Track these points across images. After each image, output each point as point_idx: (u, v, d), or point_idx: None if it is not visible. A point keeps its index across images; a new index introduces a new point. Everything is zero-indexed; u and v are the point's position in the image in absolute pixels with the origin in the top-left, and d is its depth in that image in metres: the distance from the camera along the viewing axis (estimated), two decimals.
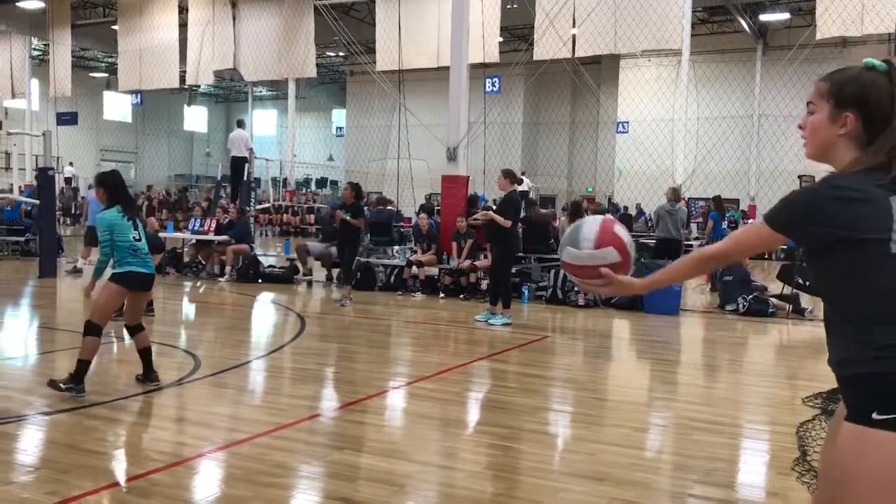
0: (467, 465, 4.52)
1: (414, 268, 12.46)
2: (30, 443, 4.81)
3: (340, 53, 32.56)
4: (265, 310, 11.26)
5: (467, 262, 12.09)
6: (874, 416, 1.87)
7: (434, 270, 12.72)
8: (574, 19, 16.16)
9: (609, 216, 2.64)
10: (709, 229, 13.92)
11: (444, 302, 11.86)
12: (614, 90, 29.98)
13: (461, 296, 12.00)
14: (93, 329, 5.70)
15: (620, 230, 2.53)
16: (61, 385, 5.62)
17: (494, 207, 11.40)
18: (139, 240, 5.91)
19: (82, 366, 5.63)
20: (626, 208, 26.73)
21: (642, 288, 2.49)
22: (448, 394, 6.29)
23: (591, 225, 2.53)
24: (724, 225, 12.92)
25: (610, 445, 4.92)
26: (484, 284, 11.70)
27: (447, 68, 14.37)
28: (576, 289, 11.55)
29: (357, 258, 12.04)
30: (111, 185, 6.02)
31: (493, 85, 22.45)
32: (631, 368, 8.07)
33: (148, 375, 6.09)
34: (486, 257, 11.71)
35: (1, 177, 31.95)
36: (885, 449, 1.86)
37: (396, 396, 6.26)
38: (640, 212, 25.85)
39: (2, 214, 17.24)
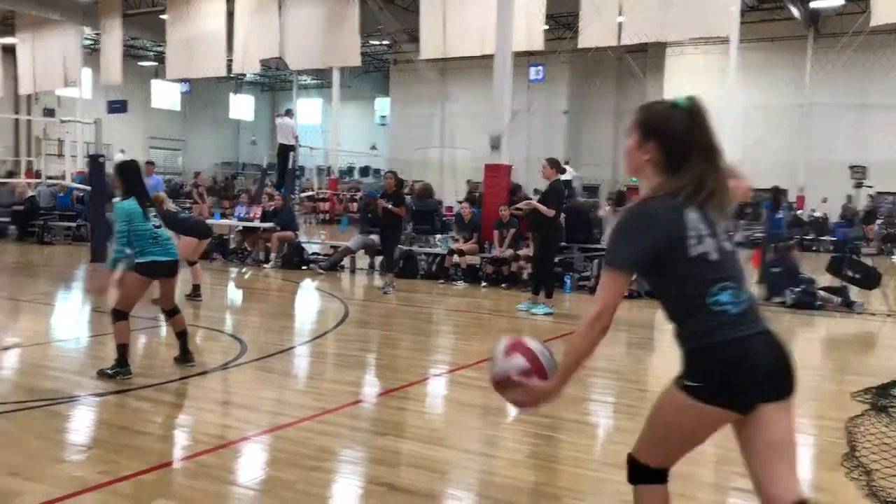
0: (508, 454, 4.53)
1: (455, 256, 12.48)
2: (81, 423, 4.94)
3: (384, 42, 32.62)
4: (310, 296, 11.38)
5: (509, 252, 12.08)
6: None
7: (476, 259, 12.73)
8: (620, 7, 15.96)
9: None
10: (763, 220, 13.61)
11: (485, 291, 11.87)
12: (660, 78, 29.55)
13: (503, 285, 12.00)
14: (120, 315, 5.83)
15: (530, 341, 2.63)
16: (108, 371, 5.78)
17: (535, 197, 11.36)
18: (159, 227, 5.99)
19: (122, 349, 5.79)
20: None
21: (557, 387, 2.53)
22: (489, 382, 6.29)
23: (501, 342, 2.68)
24: (780, 215, 12.62)
25: None
26: (526, 273, 11.67)
27: (491, 56, 14.32)
28: None
29: (399, 246, 12.11)
30: (129, 176, 6.05)
31: (537, 73, 22.35)
32: (674, 360, 7.97)
33: (184, 357, 6.23)
34: (528, 246, 11.68)
35: (54, 164, 32.68)
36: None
37: (438, 384, 6.29)
38: None
39: (55, 200, 17.67)
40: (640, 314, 10.10)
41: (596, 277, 11.62)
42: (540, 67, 22.17)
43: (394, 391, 5.82)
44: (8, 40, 32.19)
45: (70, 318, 9.20)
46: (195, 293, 9.58)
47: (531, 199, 11.33)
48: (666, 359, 7.98)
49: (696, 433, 2.48)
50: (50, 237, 16.57)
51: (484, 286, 12.14)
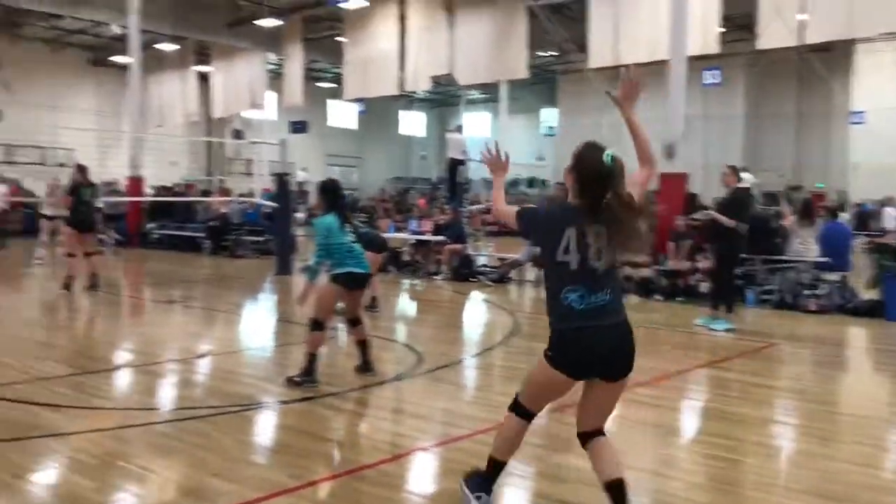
0: (686, 476, 4.37)
1: (627, 268, 12.21)
2: (271, 428, 5.26)
3: (551, 53, 32.56)
4: (479, 308, 11.52)
5: (686, 264, 11.67)
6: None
7: (649, 272, 12.39)
8: (802, 4, 15.06)
9: None
10: None
11: (660, 305, 11.52)
12: (847, 78, 27.59)
13: (678, 299, 11.59)
14: (317, 325, 6.12)
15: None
16: (296, 379, 6.08)
17: (713, 206, 10.90)
18: (355, 241, 6.27)
19: (310, 358, 6.08)
20: (858, 205, 24.59)
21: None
22: (666, 400, 6.11)
23: None
24: None
25: (843, 463, 4.56)
26: (704, 287, 11.22)
27: (663, 62, 13.94)
28: (806, 292, 10.80)
29: None
30: (329, 193, 6.39)
31: (713, 77, 21.49)
32: (869, 381, 7.42)
33: (365, 366, 6.46)
34: (706, 258, 11.23)
35: (243, 182, 35.09)
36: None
37: None
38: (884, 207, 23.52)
39: (244, 216, 18.94)
40: (831, 331, 9.44)
41: (780, 291, 11.01)
42: (716, 71, 21.27)
43: (566, 407, 5.75)
44: (203, 68, 34.95)
45: (258, 327, 9.82)
46: (372, 305, 9.95)
47: (708, 208, 10.90)
48: (856, 378, 7.43)
49: (550, 387, 3.54)
50: (240, 251, 17.78)
51: (658, 300, 11.78)
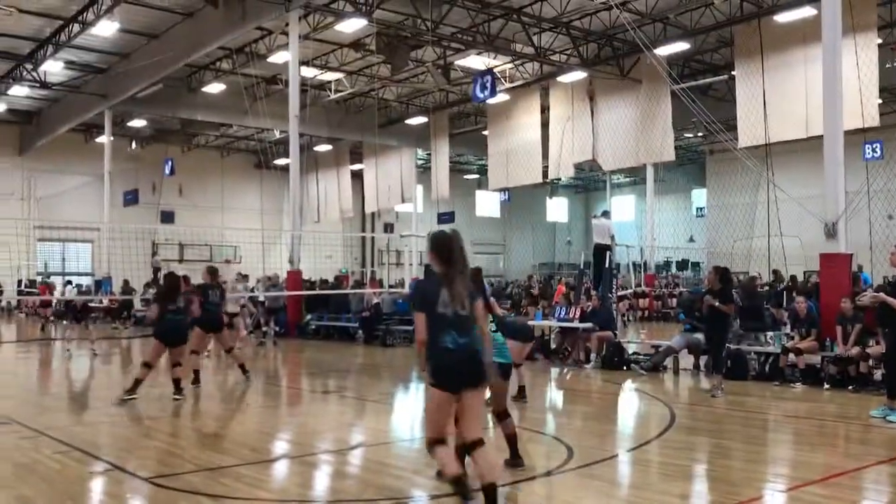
0: None
1: (791, 355, 11.49)
2: None
3: (699, 134, 32.04)
4: (632, 398, 11.13)
5: (855, 349, 10.85)
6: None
7: (815, 358, 11.60)
8: None
9: None
10: None
11: (829, 394, 10.72)
12: None
13: (850, 387, 10.75)
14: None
15: None
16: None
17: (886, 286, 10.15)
18: (495, 331, 6.32)
19: (510, 441, 6.30)
20: None
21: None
22: (841, 501, 5.61)
23: None
24: None
25: None
26: (878, 374, 10.37)
27: (819, 137, 13.38)
28: None
29: (727, 345, 11.45)
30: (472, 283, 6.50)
31: (873, 151, 20.41)
32: None
33: (514, 461, 6.32)
34: (878, 343, 10.41)
35: (394, 272, 36.13)
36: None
37: (779, 500, 5.74)
38: None
39: (395, 306, 19.43)
40: None
41: None
42: (876, 144, 20.23)
43: None
44: (356, 167, 36.79)
45: (408, 417, 9.90)
46: (521, 395, 9.84)
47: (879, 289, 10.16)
48: None
49: (441, 408, 4.74)
50: (391, 340, 18.18)
51: (827, 389, 10.97)
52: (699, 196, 39.54)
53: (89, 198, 32.71)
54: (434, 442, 4.73)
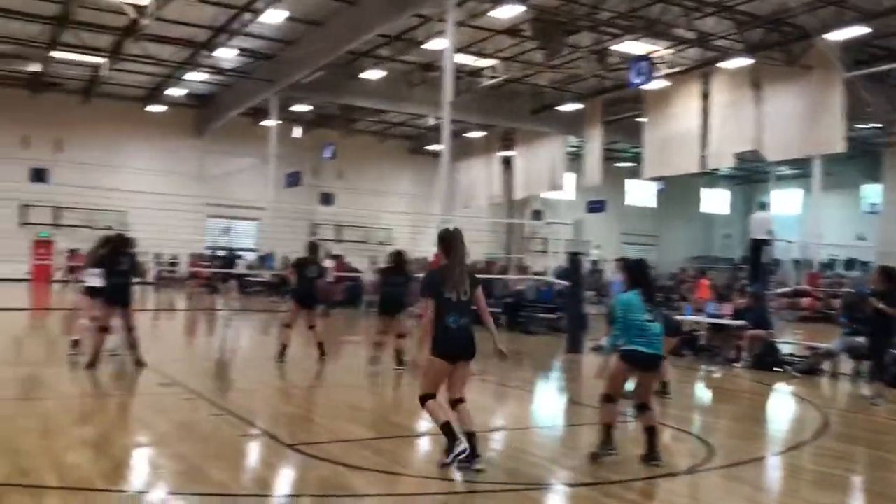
0: None
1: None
2: None
3: (875, 125, 29.80)
4: (783, 401, 10.60)
5: None
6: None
7: None
8: None
9: None
10: None
11: None
12: None
13: None
14: (608, 399, 6.27)
15: None
16: (596, 451, 6.19)
17: None
18: (651, 321, 6.17)
19: (605, 429, 6.23)
20: None
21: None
22: None
23: None
24: None
25: None
26: None
27: None
28: None
29: (891, 351, 10.65)
30: (634, 273, 6.50)
31: None
32: None
33: (651, 455, 6.16)
34: None
35: (539, 259, 36.01)
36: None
37: None
38: None
39: (538, 294, 19.38)
40: None
41: None
42: None
43: None
44: (507, 153, 36.87)
45: (547, 405, 9.89)
46: (664, 390, 9.58)
47: None
48: None
49: (438, 374, 5.80)
50: (534, 327, 18.16)
51: None
52: (871, 191, 36.82)
53: (255, 178, 34.60)
54: (427, 397, 5.79)
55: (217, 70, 28.86)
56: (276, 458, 6.19)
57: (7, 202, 29.95)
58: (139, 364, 9.86)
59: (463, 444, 5.63)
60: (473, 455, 5.65)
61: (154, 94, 34.32)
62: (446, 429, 5.71)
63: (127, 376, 9.67)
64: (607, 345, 6.52)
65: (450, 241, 5.90)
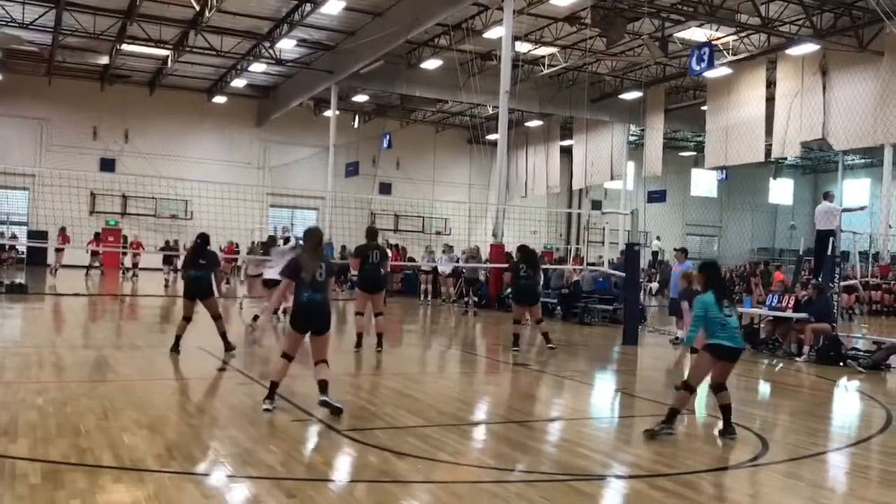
0: None
1: None
2: (599, 503, 5.16)
3: None
4: (846, 397, 10.27)
5: None
6: None
7: None
8: None
9: None
10: None
11: None
12: None
13: None
14: (687, 387, 6.94)
15: None
16: (655, 430, 6.73)
17: None
18: (730, 316, 6.88)
19: (671, 411, 6.85)
20: None
21: None
22: None
23: None
24: None
25: None
26: None
27: None
28: None
29: None
30: (709, 275, 7.21)
31: None
32: None
33: (727, 430, 6.87)
34: None
35: (598, 250, 35.63)
36: None
37: None
38: None
39: (595, 284, 19.17)
40: None
41: None
42: None
43: None
44: (566, 142, 36.52)
45: (601, 397, 9.79)
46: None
47: None
48: None
49: (294, 341, 7.16)
50: (589, 318, 17.98)
51: None
52: None
53: (315, 168, 35.04)
54: (285, 356, 7.10)
55: (278, 61, 29.25)
56: (327, 444, 6.27)
57: (78, 190, 30.94)
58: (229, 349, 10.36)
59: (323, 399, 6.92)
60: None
61: (217, 86, 35.00)
62: (272, 387, 7.12)
63: (187, 361, 9.90)
64: (688, 338, 7.44)
65: (310, 236, 7.26)
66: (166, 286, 24.58)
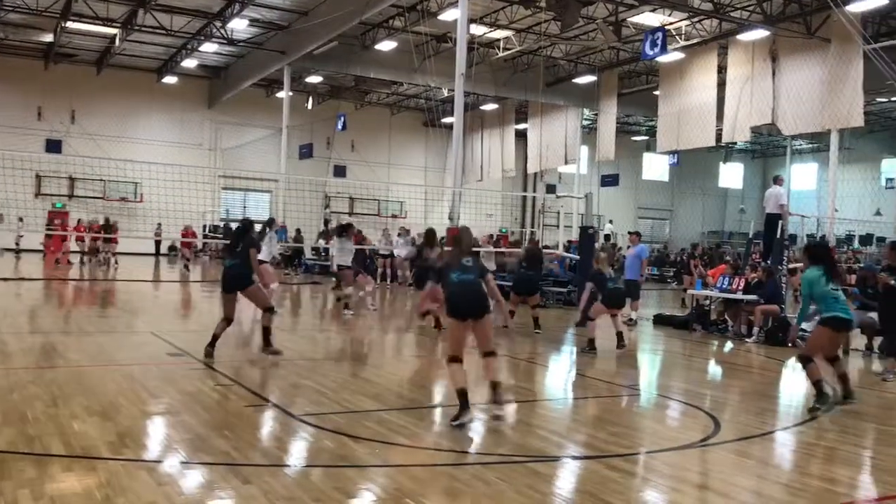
0: None
1: None
2: (554, 484, 5.20)
3: (893, 98, 29.36)
4: (794, 377, 10.52)
5: None
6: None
7: None
8: None
9: None
10: None
11: None
12: None
13: None
14: (805, 360, 7.53)
15: None
16: (818, 406, 7.43)
17: None
18: (836, 289, 7.51)
19: (816, 384, 7.49)
20: None
21: None
22: None
23: None
24: None
25: None
26: None
27: None
28: None
29: None
30: (815, 253, 7.82)
31: None
32: None
33: (847, 394, 7.62)
34: None
35: (553, 233, 35.90)
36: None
37: None
38: None
39: (549, 268, 19.32)
40: None
41: None
42: None
43: (890, 499, 5.02)
44: (521, 126, 36.61)
45: (557, 378, 9.87)
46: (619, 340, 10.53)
47: None
48: None
49: (456, 333, 6.43)
50: (545, 301, 18.09)
51: None
52: (890, 166, 36.40)
53: (268, 150, 34.61)
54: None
55: (229, 41, 28.73)
56: (281, 429, 6.21)
57: (23, 172, 30.10)
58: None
59: None
60: None
61: (167, 66, 34.27)
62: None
63: (138, 346, 9.71)
64: (799, 316, 8.13)
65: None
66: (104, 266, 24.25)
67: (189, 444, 5.46)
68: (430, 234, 13.49)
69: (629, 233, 16.04)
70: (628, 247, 16.53)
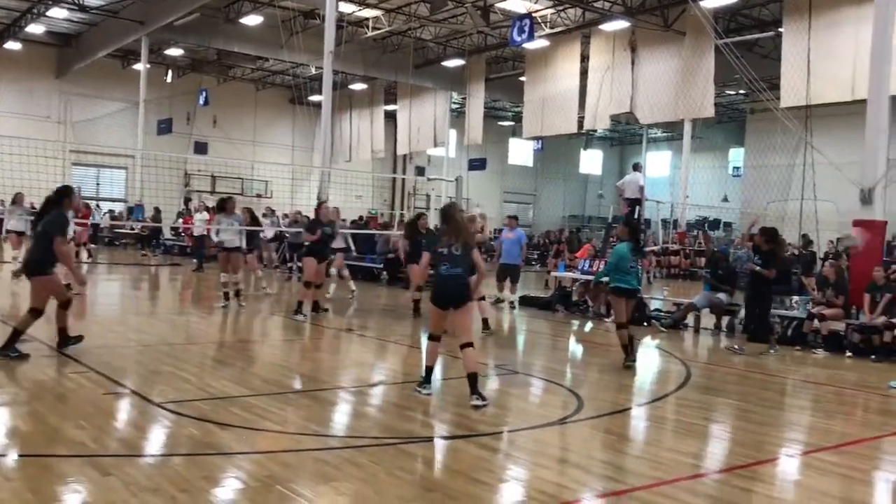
0: None
1: (816, 321, 11.33)
2: (424, 464, 5.24)
3: (741, 91, 31.28)
4: (650, 355, 11.06)
5: (882, 319, 10.66)
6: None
7: (840, 325, 11.43)
8: None
9: None
10: None
11: (850, 362, 10.59)
12: None
13: (872, 357, 10.61)
14: (617, 325, 9.38)
15: None
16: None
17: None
18: (634, 263, 9.24)
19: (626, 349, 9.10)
20: None
21: None
22: (855, 470, 5.54)
23: None
24: None
25: None
26: None
27: (862, 101, 13.00)
28: None
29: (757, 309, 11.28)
30: (630, 229, 9.60)
31: None
32: None
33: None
34: None
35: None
36: None
37: (790, 465, 5.69)
38: None
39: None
40: None
41: None
42: None
43: (739, 468, 5.36)
44: (391, 107, 36.48)
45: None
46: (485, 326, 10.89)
47: None
48: None
49: (436, 318, 6.98)
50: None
51: (849, 357, 10.84)
52: (737, 155, 38.80)
53: (124, 124, 32.89)
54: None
55: (81, 7, 27.00)
56: (141, 417, 5.94)
57: None
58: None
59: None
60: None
61: (9, 31, 31.80)
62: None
63: None
64: (595, 279, 9.71)
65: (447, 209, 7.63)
66: None
67: (42, 436, 5.13)
68: (412, 224, 14.15)
69: (507, 217, 16.27)
70: (500, 230, 16.82)
